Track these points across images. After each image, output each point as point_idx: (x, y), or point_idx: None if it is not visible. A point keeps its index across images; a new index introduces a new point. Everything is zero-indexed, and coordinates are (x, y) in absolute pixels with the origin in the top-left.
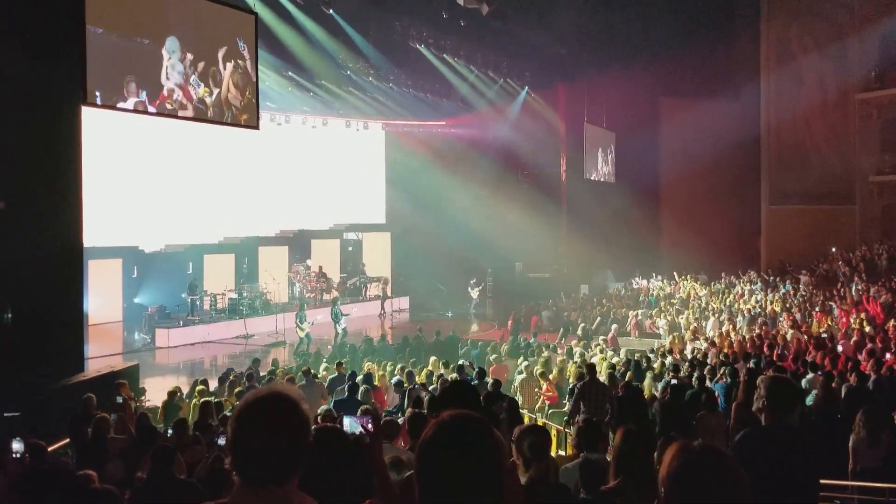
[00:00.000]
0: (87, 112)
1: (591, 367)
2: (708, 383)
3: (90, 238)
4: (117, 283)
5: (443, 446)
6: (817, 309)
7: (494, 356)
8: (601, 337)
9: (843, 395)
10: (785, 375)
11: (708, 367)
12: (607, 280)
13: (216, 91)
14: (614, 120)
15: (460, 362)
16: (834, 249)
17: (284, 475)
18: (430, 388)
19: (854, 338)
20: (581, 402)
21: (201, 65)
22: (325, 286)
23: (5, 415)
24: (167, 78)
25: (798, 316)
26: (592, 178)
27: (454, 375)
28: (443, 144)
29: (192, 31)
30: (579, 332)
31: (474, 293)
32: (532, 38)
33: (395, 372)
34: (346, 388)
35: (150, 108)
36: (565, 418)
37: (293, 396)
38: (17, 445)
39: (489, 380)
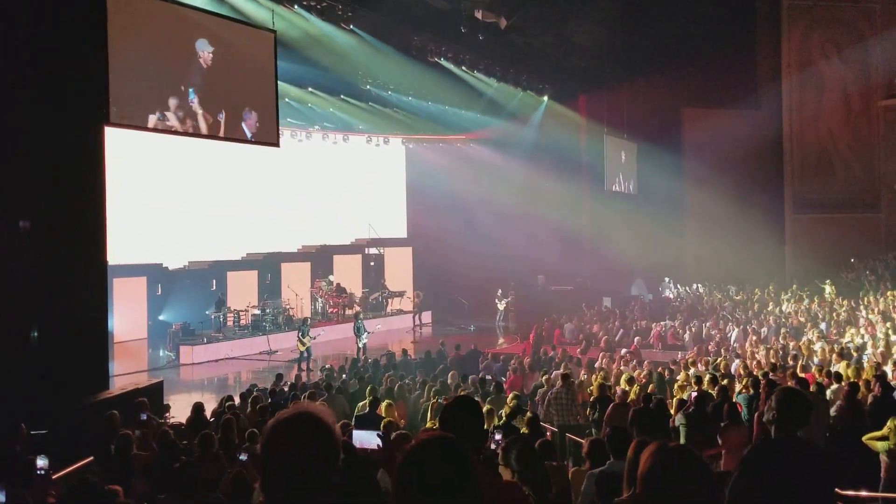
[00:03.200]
0: (109, 130)
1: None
2: (731, 394)
3: (114, 256)
4: (142, 300)
5: (415, 471)
6: (843, 318)
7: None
8: (624, 349)
9: (868, 405)
10: (796, 388)
11: (732, 378)
12: (637, 289)
13: (237, 109)
14: (636, 130)
15: (481, 376)
16: (853, 260)
17: (314, 496)
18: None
19: (881, 348)
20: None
21: (223, 82)
22: (347, 301)
23: (32, 433)
24: (191, 97)
25: (823, 326)
26: (614, 189)
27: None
28: (463, 158)
29: (215, 51)
30: (602, 344)
31: (501, 305)
32: (551, 51)
33: (417, 387)
34: (366, 404)
35: (174, 128)
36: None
37: (321, 416)
38: (41, 462)
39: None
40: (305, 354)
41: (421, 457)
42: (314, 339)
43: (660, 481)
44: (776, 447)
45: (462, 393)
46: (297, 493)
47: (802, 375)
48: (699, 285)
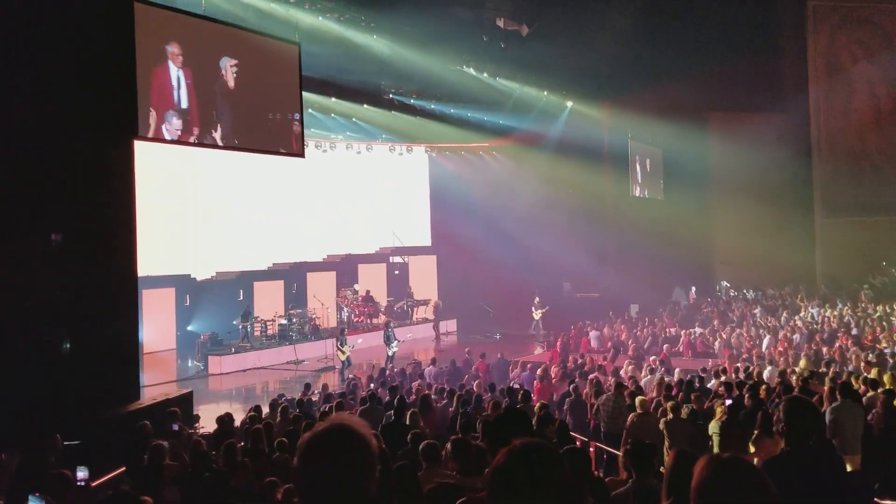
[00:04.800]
0: (138, 143)
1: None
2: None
3: (144, 267)
4: (171, 311)
5: (515, 473)
6: (876, 324)
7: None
8: (653, 357)
9: None
10: (803, 397)
11: (765, 385)
12: (676, 297)
13: (262, 121)
14: (661, 136)
15: (511, 385)
16: (884, 264)
17: None
18: (483, 414)
19: None
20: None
21: (249, 96)
22: (373, 310)
23: (66, 443)
24: (218, 109)
25: (856, 331)
26: (640, 195)
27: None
28: (486, 165)
29: (242, 64)
30: (630, 352)
31: (537, 314)
32: (574, 58)
33: (444, 395)
34: (392, 413)
35: (202, 141)
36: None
37: (357, 427)
38: (81, 474)
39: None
40: (344, 364)
41: (518, 460)
42: (353, 347)
43: (716, 493)
44: (787, 460)
45: (490, 402)
46: None
47: (842, 381)
48: (731, 290)
